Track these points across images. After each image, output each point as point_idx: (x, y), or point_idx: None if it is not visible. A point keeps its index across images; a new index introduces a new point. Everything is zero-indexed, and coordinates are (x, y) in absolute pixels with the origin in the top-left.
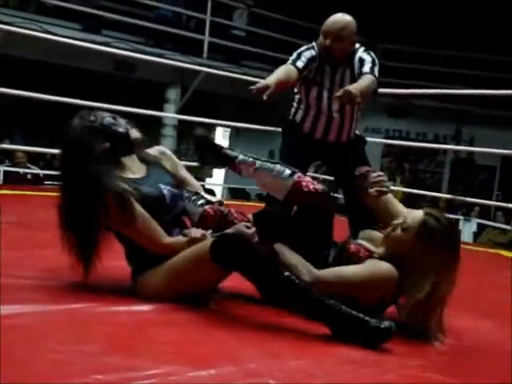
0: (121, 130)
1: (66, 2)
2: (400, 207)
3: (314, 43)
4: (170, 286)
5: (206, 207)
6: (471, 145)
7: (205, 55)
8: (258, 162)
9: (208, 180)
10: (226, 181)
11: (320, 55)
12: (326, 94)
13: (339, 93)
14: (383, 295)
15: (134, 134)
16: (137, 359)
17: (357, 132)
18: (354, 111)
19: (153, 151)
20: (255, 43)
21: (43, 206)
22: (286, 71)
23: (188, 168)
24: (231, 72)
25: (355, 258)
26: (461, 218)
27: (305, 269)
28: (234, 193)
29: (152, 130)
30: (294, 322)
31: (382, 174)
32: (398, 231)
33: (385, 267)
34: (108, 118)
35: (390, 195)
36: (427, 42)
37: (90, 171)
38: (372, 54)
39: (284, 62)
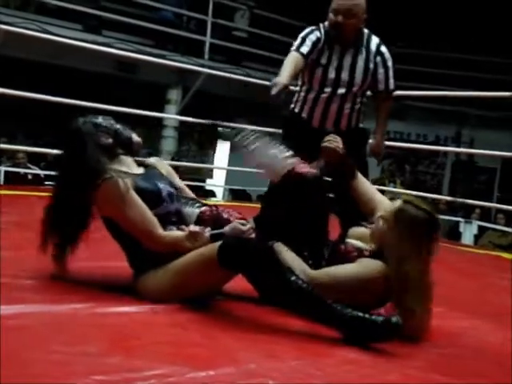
0: (125, 132)
1: (66, 3)
2: (383, 199)
3: (320, 25)
4: (175, 288)
5: (203, 208)
6: (471, 147)
7: (206, 56)
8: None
9: (209, 181)
10: (227, 182)
11: (327, 35)
12: (332, 75)
13: (370, 153)
14: (375, 292)
15: (136, 138)
16: (136, 360)
17: (361, 124)
18: (356, 98)
19: (151, 160)
20: (256, 44)
21: (43, 206)
22: (294, 63)
23: (189, 169)
24: (232, 73)
25: (347, 259)
26: (461, 220)
27: (300, 270)
28: (235, 194)
29: (153, 131)
30: (293, 322)
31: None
32: (380, 223)
33: (373, 265)
34: (114, 122)
35: (373, 188)
36: (428, 44)
37: (89, 156)
38: (387, 49)
39: None
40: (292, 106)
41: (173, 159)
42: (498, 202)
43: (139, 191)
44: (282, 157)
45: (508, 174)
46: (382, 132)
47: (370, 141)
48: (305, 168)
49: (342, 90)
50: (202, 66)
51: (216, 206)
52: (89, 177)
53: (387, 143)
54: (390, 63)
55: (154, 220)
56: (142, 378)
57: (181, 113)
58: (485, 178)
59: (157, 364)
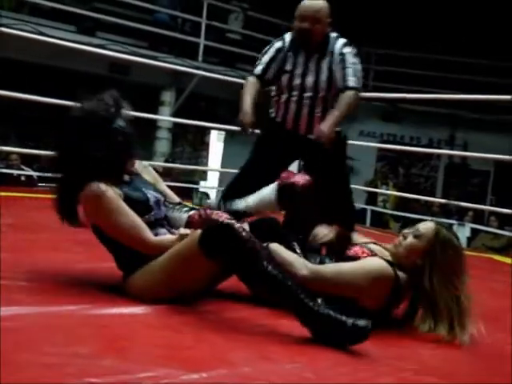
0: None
1: (60, 4)
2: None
3: (285, 34)
4: (164, 283)
5: (192, 212)
6: (465, 149)
7: (200, 58)
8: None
9: (202, 183)
10: (220, 184)
11: (293, 42)
12: (298, 81)
13: (314, 136)
14: (380, 292)
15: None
16: (130, 362)
17: (337, 129)
18: (327, 102)
19: (136, 165)
20: (250, 46)
21: (37, 208)
22: (250, 90)
23: (183, 171)
24: (226, 75)
25: (355, 259)
26: (455, 222)
27: (302, 264)
28: None
29: (146, 132)
30: (288, 324)
31: None
32: (410, 238)
33: (381, 263)
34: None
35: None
36: (422, 47)
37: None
38: (354, 50)
39: None
40: (270, 110)
41: (166, 161)
42: (491, 205)
43: (128, 200)
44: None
45: (501, 176)
46: (331, 119)
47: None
48: (297, 177)
49: (309, 95)
50: (196, 67)
51: (205, 209)
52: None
53: (380, 145)
54: (350, 62)
55: (144, 226)
56: (135, 380)
57: (175, 114)
58: (478, 180)
59: (150, 366)
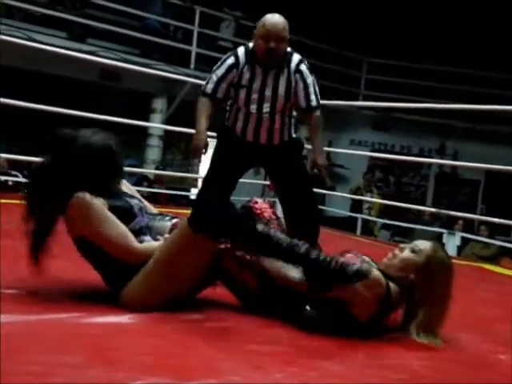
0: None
1: (52, 10)
2: None
3: (238, 49)
4: (161, 283)
5: (175, 220)
6: (455, 159)
7: (192, 66)
8: None
9: (193, 190)
10: None
11: (248, 57)
12: (255, 96)
13: (316, 171)
14: (371, 301)
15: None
16: (117, 371)
17: (293, 135)
18: (284, 114)
19: None
20: None
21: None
22: (205, 110)
23: (173, 178)
24: None
25: None
26: (445, 231)
27: (293, 270)
28: None
29: (137, 139)
30: (278, 333)
31: None
32: (407, 252)
33: (374, 270)
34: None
35: None
36: (413, 56)
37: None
38: (307, 65)
39: None
40: (225, 121)
41: (157, 168)
42: (481, 214)
43: (113, 209)
44: None
45: (491, 186)
46: (318, 148)
47: (309, 159)
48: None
49: (266, 109)
50: (188, 75)
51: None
52: (62, 193)
53: (371, 154)
54: (309, 80)
55: (130, 235)
56: None
57: (166, 122)
58: (468, 189)
59: (138, 375)
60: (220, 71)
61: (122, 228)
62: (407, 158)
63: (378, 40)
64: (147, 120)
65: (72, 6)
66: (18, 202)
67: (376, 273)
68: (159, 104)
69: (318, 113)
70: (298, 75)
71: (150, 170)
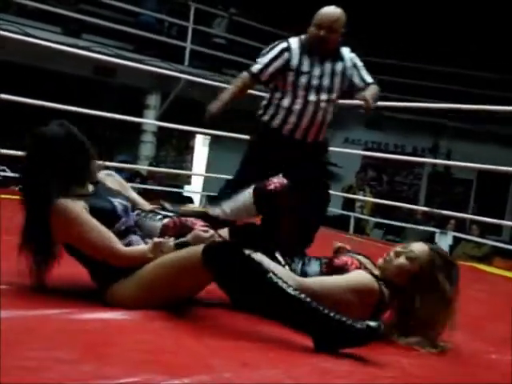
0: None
1: (46, 5)
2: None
3: (290, 39)
4: (152, 294)
5: (165, 220)
6: (448, 158)
7: (186, 62)
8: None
9: (187, 187)
10: (204, 189)
11: (303, 46)
12: (316, 82)
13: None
14: (365, 306)
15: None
16: (110, 367)
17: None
18: (335, 106)
19: (100, 174)
20: (236, 51)
21: (12, 209)
22: (241, 85)
23: (167, 175)
24: (212, 80)
25: (343, 270)
26: (437, 230)
27: (288, 276)
28: None
29: (131, 135)
30: (268, 330)
31: None
32: (402, 259)
33: (366, 278)
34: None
35: None
36: (408, 55)
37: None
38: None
39: None
40: (262, 114)
41: (151, 164)
42: (473, 214)
43: (95, 211)
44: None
45: (483, 185)
46: (372, 91)
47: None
48: (274, 181)
49: (324, 97)
50: (182, 71)
51: (178, 216)
52: (45, 198)
53: (364, 153)
54: (360, 64)
55: (114, 238)
56: None
57: (160, 118)
58: (461, 189)
59: (131, 371)
60: (271, 54)
61: (103, 232)
62: (400, 157)
63: (370, 39)
64: (141, 116)
65: (67, 1)
66: (6, 197)
67: (369, 282)
68: (153, 100)
69: (375, 85)
70: (351, 63)
71: (143, 167)
